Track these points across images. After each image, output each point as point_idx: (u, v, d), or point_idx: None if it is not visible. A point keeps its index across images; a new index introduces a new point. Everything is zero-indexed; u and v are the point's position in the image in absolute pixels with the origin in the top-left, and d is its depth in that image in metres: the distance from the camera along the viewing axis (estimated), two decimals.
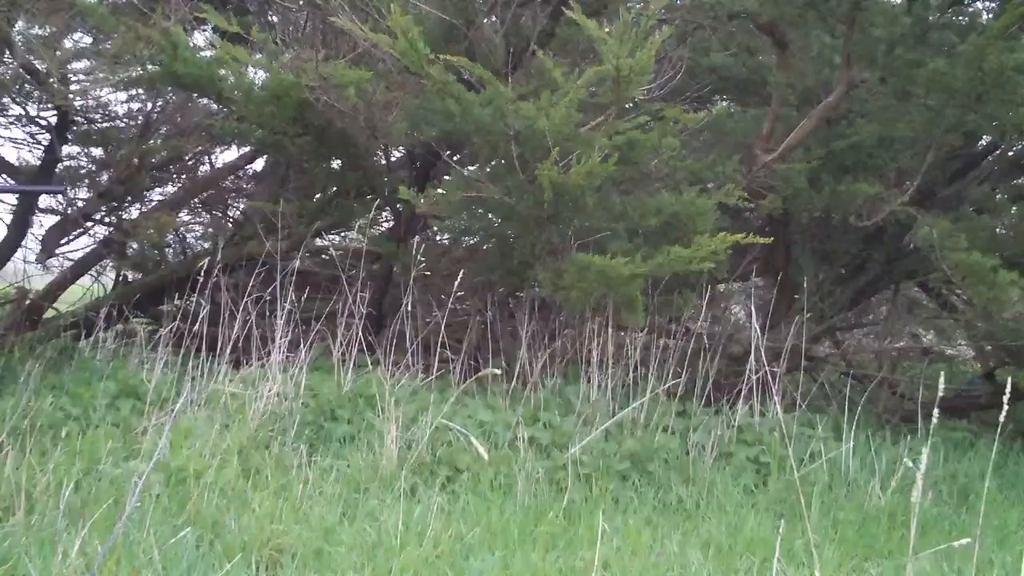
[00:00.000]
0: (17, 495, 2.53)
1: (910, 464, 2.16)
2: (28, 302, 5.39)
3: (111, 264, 6.20)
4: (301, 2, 4.88)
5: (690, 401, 4.27)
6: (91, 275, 6.20)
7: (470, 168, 5.24)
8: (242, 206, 6.57)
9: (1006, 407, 2.21)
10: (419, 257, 4.84)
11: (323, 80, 4.04)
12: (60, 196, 5.69)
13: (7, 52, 5.21)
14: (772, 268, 5.52)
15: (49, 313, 5.58)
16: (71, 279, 5.79)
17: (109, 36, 4.58)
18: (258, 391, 3.65)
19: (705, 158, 4.60)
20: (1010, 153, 5.96)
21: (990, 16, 5.09)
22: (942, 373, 2.32)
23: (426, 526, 2.76)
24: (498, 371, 3.50)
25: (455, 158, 5.18)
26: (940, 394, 2.09)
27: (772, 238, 4.74)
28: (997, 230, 5.41)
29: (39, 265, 5.76)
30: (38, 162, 5.56)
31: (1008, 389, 2.19)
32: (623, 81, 3.70)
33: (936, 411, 2.15)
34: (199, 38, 5.53)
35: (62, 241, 5.73)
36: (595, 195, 4.00)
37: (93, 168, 5.97)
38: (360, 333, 4.02)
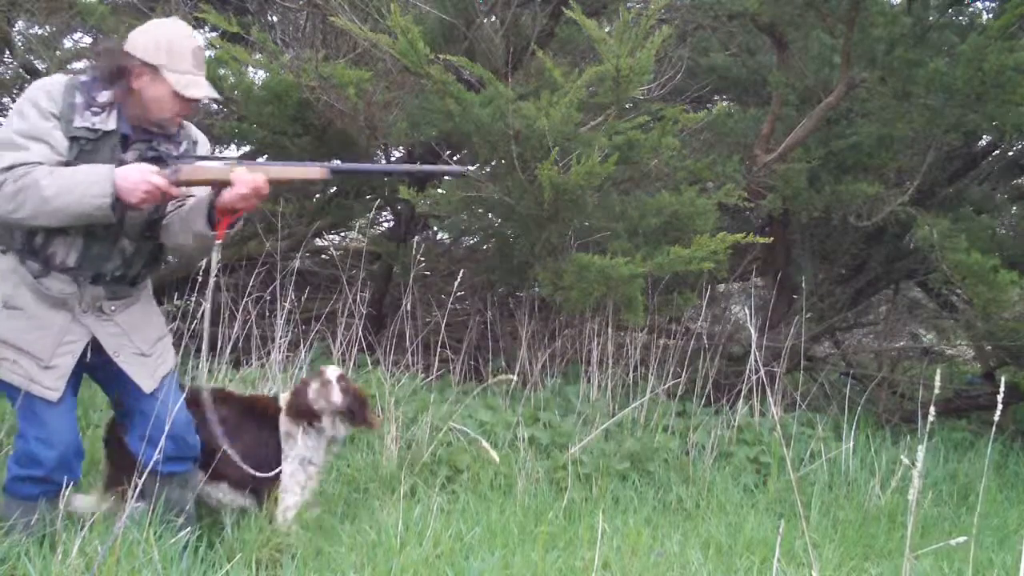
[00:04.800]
0: None
1: (908, 463, 2.16)
2: None
3: None
4: (301, 2, 4.88)
5: (690, 401, 4.28)
6: None
7: (470, 168, 5.23)
8: None
9: (1000, 406, 2.20)
10: (419, 257, 4.83)
11: (323, 80, 4.04)
12: None
13: (7, 52, 5.22)
14: (772, 268, 5.52)
15: None
16: None
17: (109, 36, 4.58)
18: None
19: (705, 158, 4.60)
20: (1010, 153, 5.97)
21: (990, 16, 5.10)
22: (938, 371, 2.31)
23: (426, 526, 2.75)
24: (513, 377, 3.51)
25: (455, 158, 5.18)
26: (936, 391, 2.08)
27: (772, 238, 4.74)
28: (997, 230, 5.42)
29: None
30: None
31: (1002, 388, 2.19)
32: (623, 81, 3.70)
33: (932, 410, 2.14)
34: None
35: None
36: (595, 195, 3.99)
37: None
38: (360, 333, 4.02)
